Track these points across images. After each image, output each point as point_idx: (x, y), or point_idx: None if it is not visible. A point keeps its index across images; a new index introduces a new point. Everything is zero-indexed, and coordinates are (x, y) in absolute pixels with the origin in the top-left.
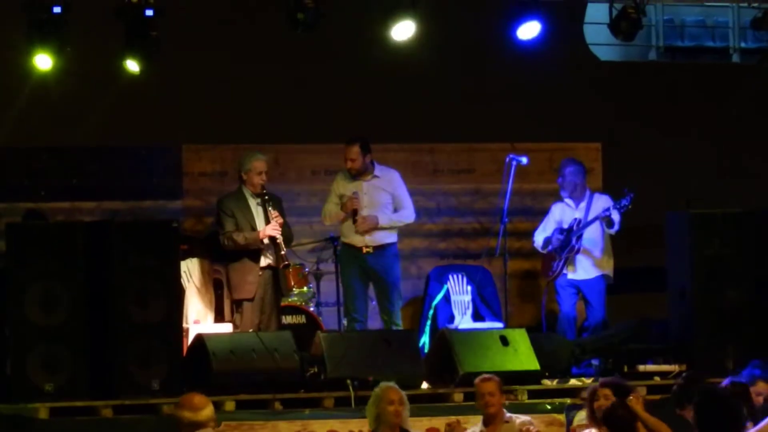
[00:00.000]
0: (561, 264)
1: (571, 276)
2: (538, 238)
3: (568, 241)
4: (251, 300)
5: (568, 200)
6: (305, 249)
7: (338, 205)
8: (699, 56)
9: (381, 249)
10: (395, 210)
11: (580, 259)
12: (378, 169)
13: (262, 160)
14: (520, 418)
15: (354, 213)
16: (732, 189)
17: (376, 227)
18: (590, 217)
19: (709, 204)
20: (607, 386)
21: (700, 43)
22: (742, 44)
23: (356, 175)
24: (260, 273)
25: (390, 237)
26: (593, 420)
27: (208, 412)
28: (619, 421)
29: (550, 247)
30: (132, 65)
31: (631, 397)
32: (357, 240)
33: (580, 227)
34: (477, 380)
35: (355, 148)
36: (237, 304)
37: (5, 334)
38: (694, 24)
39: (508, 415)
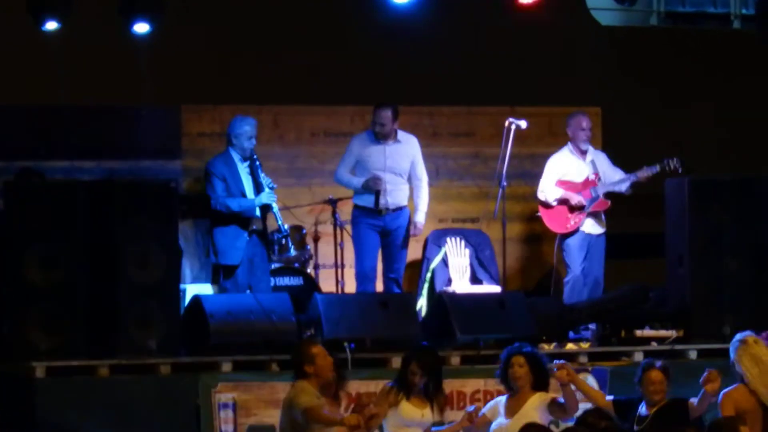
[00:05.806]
0: (583, 218)
1: (587, 230)
2: (549, 192)
3: (594, 194)
4: (237, 265)
5: (571, 153)
6: (303, 211)
7: (353, 170)
8: (700, 22)
9: (399, 210)
10: (409, 176)
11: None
12: (400, 134)
13: (252, 124)
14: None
15: (377, 195)
16: (731, 155)
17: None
18: (601, 171)
19: (708, 170)
20: (522, 355)
21: (702, 8)
22: (743, 10)
23: (381, 138)
24: (248, 238)
25: (405, 199)
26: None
27: None
28: None
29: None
30: (141, 27)
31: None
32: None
33: (615, 183)
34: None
35: (388, 113)
36: (225, 269)
37: (3, 294)
38: None
39: None
